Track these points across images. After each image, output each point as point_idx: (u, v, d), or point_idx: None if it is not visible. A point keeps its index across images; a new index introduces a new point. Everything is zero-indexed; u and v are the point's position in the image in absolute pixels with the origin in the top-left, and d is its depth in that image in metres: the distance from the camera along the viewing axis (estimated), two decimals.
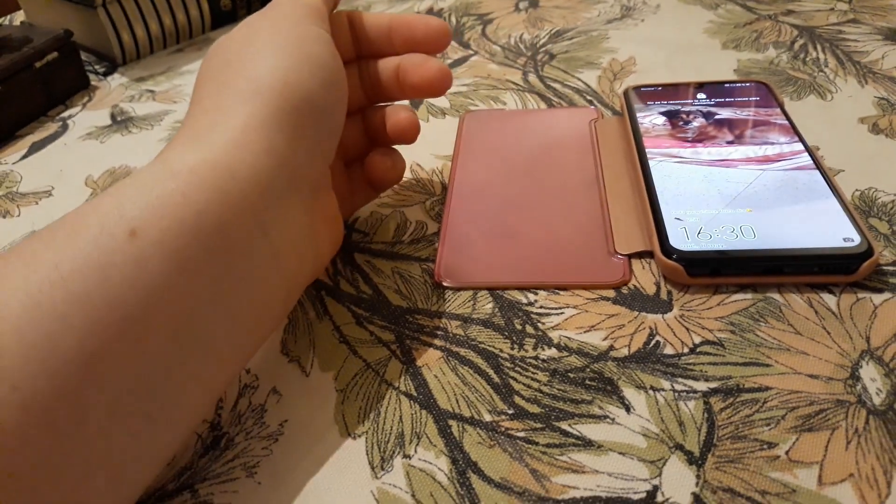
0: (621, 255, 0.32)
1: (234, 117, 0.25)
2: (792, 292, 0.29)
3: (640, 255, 0.32)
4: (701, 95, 0.41)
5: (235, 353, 0.24)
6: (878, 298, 0.29)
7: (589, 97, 0.45)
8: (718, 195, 0.32)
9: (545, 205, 0.35)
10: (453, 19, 0.60)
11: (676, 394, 0.26)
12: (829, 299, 0.29)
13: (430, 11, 0.62)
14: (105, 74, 0.57)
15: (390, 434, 0.26)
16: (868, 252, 0.29)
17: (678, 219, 0.31)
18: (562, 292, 0.31)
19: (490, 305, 0.30)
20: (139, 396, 0.20)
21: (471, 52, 0.54)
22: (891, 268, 0.30)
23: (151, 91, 0.53)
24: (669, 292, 0.30)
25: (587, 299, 0.30)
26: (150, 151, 0.45)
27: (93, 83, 0.56)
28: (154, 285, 0.21)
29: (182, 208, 0.22)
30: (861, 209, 0.33)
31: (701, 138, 0.37)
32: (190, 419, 0.23)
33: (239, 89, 0.26)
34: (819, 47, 0.48)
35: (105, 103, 0.53)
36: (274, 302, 0.25)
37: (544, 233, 0.34)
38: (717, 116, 0.38)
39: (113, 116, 0.50)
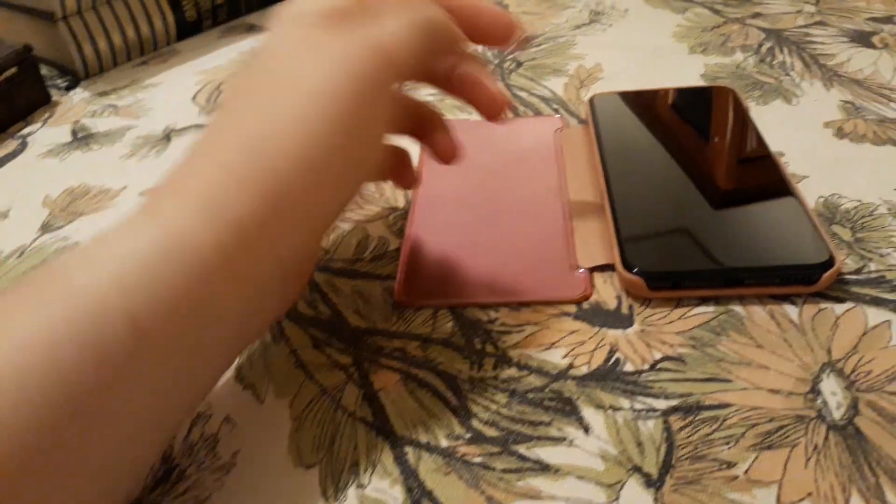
0: (583, 268, 0.31)
1: (248, 187, 0.23)
2: (754, 304, 0.29)
3: (602, 268, 0.31)
4: (665, 102, 0.40)
5: (186, 405, 0.23)
6: (839, 308, 0.28)
7: (555, 105, 0.45)
8: (680, 206, 0.32)
9: (508, 218, 0.35)
10: None
11: (636, 413, 0.25)
12: (791, 310, 0.28)
13: None
14: (67, 89, 0.56)
15: (345, 463, 0.25)
16: (829, 262, 0.28)
17: (639, 231, 0.31)
18: (523, 308, 0.30)
19: (450, 324, 0.30)
20: (93, 477, 0.20)
21: None
22: (853, 276, 0.30)
23: (114, 106, 0.52)
24: (630, 306, 0.30)
25: (548, 315, 0.30)
26: (111, 169, 0.45)
27: (54, 98, 0.55)
28: (130, 374, 0.20)
29: (175, 292, 0.21)
30: (824, 216, 0.33)
31: (664, 147, 0.36)
32: (140, 473, 0.22)
33: (252, 148, 0.23)
34: (786, 50, 0.48)
35: (66, 119, 0.52)
36: (234, 353, 0.25)
37: (507, 247, 0.33)
38: (681, 124, 0.38)
39: (74, 133, 0.50)
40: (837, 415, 0.24)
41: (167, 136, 0.47)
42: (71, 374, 0.19)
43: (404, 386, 0.27)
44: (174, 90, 0.53)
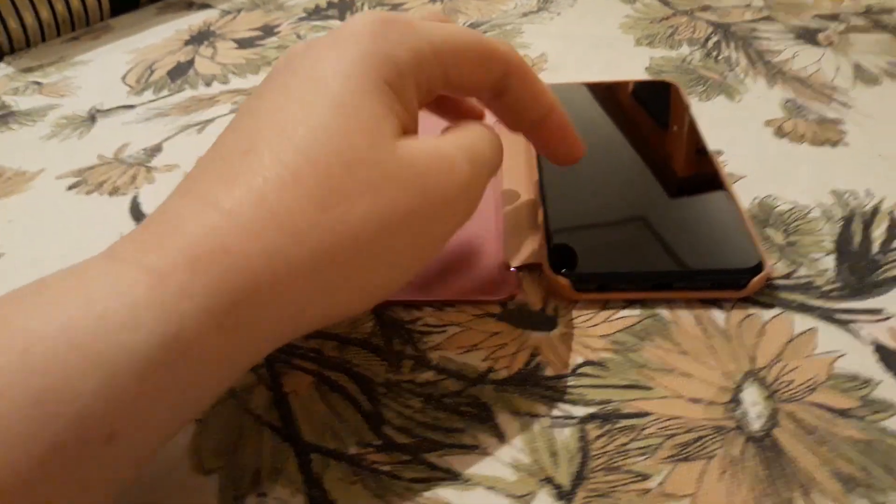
0: (512, 266, 0.30)
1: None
2: (681, 308, 0.28)
3: (531, 266, 0.30)
4: (606, 96, 0.39)
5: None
6: (767, 315, 0.28)
7: None
8: (612, 205, 0.31)
9: None
10: (365, 9, 0.57)
11: (552, 420, 0.24)
12: (719, 316, 0.28)
13: (341, 1, 0.59)
14: None
15: (247, 470, 0.24)
16: (758, 267, 0.28)
17: (569, 230, 0.30)
18: (447, 308, 0.29)
19: (371, 324, 0.29)
20: None
21: None
22: (783, 281, 0.29)
23: (38, 83, 0.50)
24: (556, 308, 0.29)
25: (472, 316, 0.29)
26: (30, 150, 0.42)
27: None
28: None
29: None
30: (759, 218, 0.32)
31: (601, 143, 0.35)
32: None
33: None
34: (732, 45, 0.47)
35: None
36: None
37: None
38: (620, 119, 0.37)
39: None
40: (756, 426, 0.24)
41: (92, 117, 0.45)
42: None
43: (316, 389, 0.26)
44: (104, 69, 0.51)
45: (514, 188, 0.34)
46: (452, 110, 0.30)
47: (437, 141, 0.23)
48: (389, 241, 0.21)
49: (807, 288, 0.29)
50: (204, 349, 0.18)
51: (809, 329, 0.27)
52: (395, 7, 0.57)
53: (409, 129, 0.23)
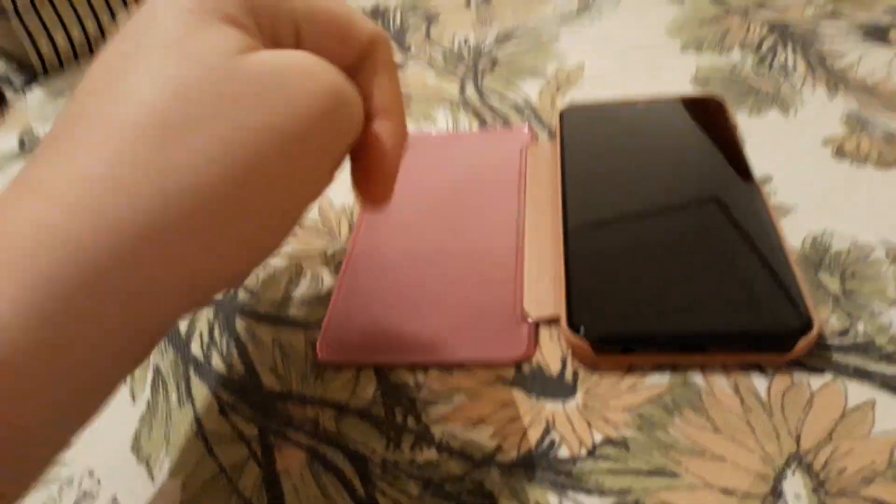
0: (530, 318, 0.28)
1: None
2: (717, 373, 0.25)
3: (551, 321, 0.28)
4: (641, 118, 0.36)
5: None
6: (816, 382, 0.24)
7: (528, 114, 0.41)
8: (642, 251, 0.28)
9: (455, 257, 0.31)
10: (398, 18, 0.55)
11: None
12: (760, 383, 0.25)
13: (375, 9, 0.57)
14: (24, 87, 0.53)
15: None
16: (807, 326, 0.24)
17: (593, 281, 0.27)
18: (456, 371, 0.27)
19: (372, 389, 0.27)
20: None
21: (409, 58, 0.49)
22: (836, 341, 0.26)
23: None
24: (575, 372, 0.26)
25: (482, 381, 0.26)
26: None
27: (10, 97, 0.52)
28: None
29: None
30: (811, 260, 0.29)
31: (633, 176, 0.32)
32: None
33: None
34: (789, 48, 0.43)
35: (17, 124, 0.49)
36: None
37: (449, 293, 0.29)
38: (655, 147, 0.34)
39: (21, 141, 0.47)
40: None
41: None
42: None
43: (309, 468, 0.24)
44: None
45: (539, 225, 0.32)
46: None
47: (290, 52, 0.20)
48: (262, 172, 0.18)
49: (865, 349, 0.25)
50: (36, 363, 0.15)
51: (866, 401, 0.23)
52: (427, 15, 0.54)
53: None
